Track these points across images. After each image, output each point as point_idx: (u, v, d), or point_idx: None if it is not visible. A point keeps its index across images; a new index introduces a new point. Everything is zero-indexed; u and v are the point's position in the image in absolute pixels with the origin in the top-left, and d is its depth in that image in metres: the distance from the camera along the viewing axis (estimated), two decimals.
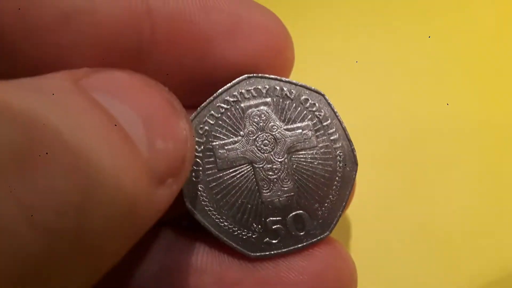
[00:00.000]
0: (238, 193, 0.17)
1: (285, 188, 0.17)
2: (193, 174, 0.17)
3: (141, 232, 0.13)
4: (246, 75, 0.17)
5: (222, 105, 0.17)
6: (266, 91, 0.17)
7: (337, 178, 0.17)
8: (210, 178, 0.17)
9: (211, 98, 0.17)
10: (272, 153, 0.17)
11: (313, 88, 0.17)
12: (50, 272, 0.10)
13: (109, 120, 0.12)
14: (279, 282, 0.16)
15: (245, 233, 0.17)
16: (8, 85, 0.11)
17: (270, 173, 0.17)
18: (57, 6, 0.14)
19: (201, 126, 0.17)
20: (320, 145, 0.17)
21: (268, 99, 0.17)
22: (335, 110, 0.17)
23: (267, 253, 0.17)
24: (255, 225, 0.17)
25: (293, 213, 0.17)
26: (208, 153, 0.17)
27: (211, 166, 0.17)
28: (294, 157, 0.17)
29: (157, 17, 0.15)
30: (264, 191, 0.17)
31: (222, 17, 0.16)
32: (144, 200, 0.12)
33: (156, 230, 0.17)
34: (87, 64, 0.15)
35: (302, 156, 0.17)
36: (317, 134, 0.17)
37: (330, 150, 0.17)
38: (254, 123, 0.17)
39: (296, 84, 0.17)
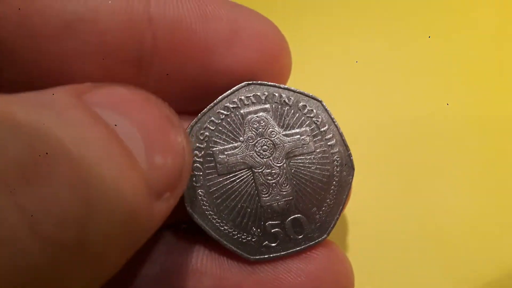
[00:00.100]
0: (237, 197, 0.17)
1: (284, 193, 0.17)
2: (194, 178, 0.17)
3: (140, 242, 0.13)
4: (245, 82, 0.17)
5: (222, 111, 0.17)
6: (265, 97, 0.17)
7: (334, 182, 0.18)
8: (210, 183, 0.17)
9: (212, 104, 0.17)
10: (271, 158, 0.17)
11: (311, 95, 0.18)
12: (51, 280, 0.10)
13: (110, 134, 0.12)
14: (278, 284, 0.17)
15: (245, 236, 0.17)
16: (14, 99, 0.11)
17: (269, 177, 0.17)
18: (60, 14, 0.14)
19: (201, 132, 0.17)
20: (318, 150, 0.17)
21: (267, 106, 0.17)
22: (332, 116, 0.18)
23: (266, 256, 0.17)
24: (254, 229, 0.17)
25: (292, 217, 0.17)
26: (208, 158, 0.17)
27: (211, 171, 0.17)
28: (292, 162, 0.17)
29: (158, 25, 0.16)
30: (263, 195, 0.17)
31: (221, 25, 0.16)
32: (143, 212, 0.12)
33: (157, 234, 0.17)
34: (89, 72, 0.16)
35: (300, 161, 0.17)
36: (315, 139, 0.18)
37: (327, 155, 0.18)
38: (254, 129, 0.17)
39: (294, 91, 0.18)
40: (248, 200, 0.17)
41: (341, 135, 0.18)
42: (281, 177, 0.17)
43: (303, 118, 0.18)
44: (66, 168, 0.10)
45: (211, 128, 0.17)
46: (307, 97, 0.18)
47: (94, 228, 0.11)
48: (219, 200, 0.17)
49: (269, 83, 0.17)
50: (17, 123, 0.10)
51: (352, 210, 0.23)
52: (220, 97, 0.17)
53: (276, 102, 0.17)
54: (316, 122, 0.18)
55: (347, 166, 0.18)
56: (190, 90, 0.17)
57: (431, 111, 0.26)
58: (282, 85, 0.18)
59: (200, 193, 0.17)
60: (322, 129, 0.18)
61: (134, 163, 0.12)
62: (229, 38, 0.17)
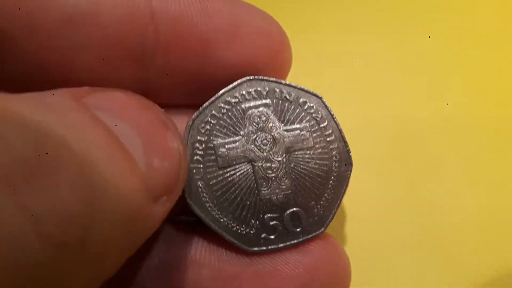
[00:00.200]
0: (237, 190, 0.17)
1: (283, 186, 0.18)
2: (194, 171, 0.17)
3: (138, 243, 0.13)
4: (247, 77, 0.18)
5: (224, 105, 0.18)
6: (266, 93, 0.18)
7: (332, 177, 0.18)
8: (210, 176, 0.17)
9: (213, 98, 0.17)
10: (271, 152, 0.18)
11: (311, 91, 0.18)
12: (51, 280, 0.10)
13: (111, 136, 0.12)
14: (275, 276, 0.17)
15: (244, 228, 0.17)
16: (19, 99, 0.11)
17: (269, 171, 0.17)
18: (61, 8, 0.15)
19: (202, 125, 0.17)
20: (317, 145, 0.18)
21: (268, 101, 0.18)
22: (332, 112, 0.18)
23: (264, 248, 0.17)
24: (253, 221, 0.17)
25: (290, 210, 0.18)
26: (209, 151, 0.17)
27: (212, 164, 0.17)
28: (292, 157, 0.18)
29: (160, 20, 0.16)
30: (263, 188, 0.17)
31: (222, 20, 0.17)
32: (142, 213, 0.12)
33: None
34: (90, 65, 0.16)
35: (299, 156, 0.18)
36: (314, 135, 0.18)
37: (326, 150, 0.18)
38: (254, 124, 0.18)
39: (295, 87, 0.18)
40: (248, 193, 0.17)
41: (340, 131, 0.18)
42: (281, 171, 0.18)
43: (303, 114, 0.18)
44: (69, 167, 0.11)
45: (212, 121, 0.17)
46: (308, 93, 0.18)
47: (96, 228, 0.11)
48: (219, 193, 0.17)
49: (271, 79, 0.18)
50: (23, 122, 0.10)
51: (351, 205, 0.23)
52: (222, 91, 0.17)
53: (277, 98, 0.18)
54: (316, 118, 0.18)
55: (346, 161, 0.18)
56: (192, 84, 0.18)
57: (431, 111, 0.26)
58: (283, 81, 0.18)
59: (200, 185, 0.17)
60: (322, 125, 0.18)
61: (133, 165, 0.12)
62: (230, 33, 0.17)
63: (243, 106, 0.18)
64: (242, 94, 0.18)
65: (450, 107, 0.26)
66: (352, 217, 0.24)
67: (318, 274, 0.17)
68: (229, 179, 0.17)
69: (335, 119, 0.18)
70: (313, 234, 0.18)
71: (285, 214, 0.18)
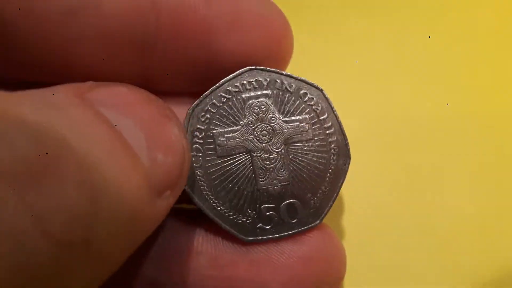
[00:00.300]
0: (235, 179, 0.17)
1: (281, 177, 0.18)
2: (193, 159, 0.17)
3: (141, 240, 0.13)
4: (248, 67, 0.18)
5: (224, 94, 0.18)
6: (267, 83, 0.18)
7: (330, 170, 0.18)
8: (209, 164, 0.17)
9: (214, 87, 0.17)
10: (270, 143, 0.18)
11: (312, 83, 0.18)
12: (55, 278, 0.11)
13: (114, 133, 0.12)
14: (270, 264, 0.17)
15: (240, 217, 0.17)
16: (22, 98, 0.11)
17: (267, 162, 0.18)
18: (63, 0, 0.15)
19: (202, 114, 0.17)
20: (316, 138, 0.18)
21: (269, 91, 0.18)
22: (332, 105, 0.18)
23: (260, 237, 0.17)
24: (249, 211, 0.17)
25: (287, 201, 0.18)
26: (208, 140, 0.17)
27: (210, 152, 0.17)
28: (290, 148, 0.18)
29: (161, 8, 0.16)
30: (260, 179, 0.18)
31: (224, 8, 0.17)
32: (145, 210, 0.13)
33: None
34: (93, 56, 0.16)
35: (298, 147, 0.18)
36: (313, 127, 0.18)
37: (325, 143, 0.18)
38: (254, 114, 0.18)
39: (296, 78, 0.18)
40: (245, 183, 0.18)
41: (339, 124, 0.18)
42: (279, 162, 0.18)
43: (303, 105, 0.18)
44: (73, 167, 0.11)
45: (213, 110, 0.18)
46: (309, 85, 0.18)
47: (99, 227, 0.11)
48: (217, 181, 0.17)
49: (272, 69, 0.18)
50: (26, 122, 0.11)
51: (349, 199, 0.23)
52: (223, 80, 0.18)
53: (277, 88, 0.18)
54: (316, 110, 0.18)
55: (344, 155, 0.18)
56: (193, 72, 0.18)
57: (431, 111, 0.26)
58: (284, 72, 0.18)
59: (198, 173, 0.17)
60: (322, 118, 0.18)
61: (136, 161, 0.12)
62: (231, 21, 0.17)
63: (243, 96, 0.18)
64: (243, 84, 0.18)
65: (450, 107, 0.26)
66: (350, 211, 0.24)
67: (312, 263, 0.17)
68: (227, 168, 0.17)
69: (335, 112, 0.18)
70: (309, 225, 0.18)
71: (282, 205, 0.18)
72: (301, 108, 0.18)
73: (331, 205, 0.18)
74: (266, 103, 0.18)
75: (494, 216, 0.24)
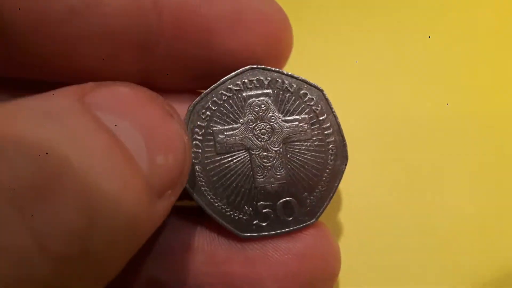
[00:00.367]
0: (233, 176, 0.18)
1: (278, 176, 0.18)
2: (193, 155, 0.17)
3: (141, 243, 0.13)
4: (249, 66, 0.18)
5: (225, 92, 0.18)
6: (268, 82, 0.18)
7: (327, 170, 0.18)
8: (208, 161, 0.18)
9: (215, 85, 0.18)
10: (268, 142, 0.18)
11: (313, 83, 0.18)
12: None
13: (112, 141, 0.12)
14: (266, 261, 0.17)
15: (237, 214, 0.18)
16: (18, 111, 0.11)
17: (265, 160, 0.18)
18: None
19: (203, 111, 0.18)
20: (314, 138, 0.18)
21: (269, 91, 0.18)
22: (332, 106, 0.18)
23: (256, 234, 0.18)
24: (246, 208, 0.18)
25: (283, 199, 0.18)
26: (208, 137, 0.18)
27: (210, 149, 0.18)
28: (289, 147, 0.18)
29: (163, 7, 0.16)
30: (258, 176, 0.18)
31: (225, 7, 0.17)
32: (144, 216, 0.13)
33: None
34: (95, 54, 0.16)
35: (296, 147, 0.18)
36: (312, 127, 0.18)
37: (323, 143, 0.18)
38: (254, 112, 0.18)
39: (297, 78, 0.18)
40: (243, 180, 0.18)
41: (338, 125, 0.18)
42: (277, 160, 0.18)
43: (303, 105, 0.18)
44: (72, 184, 0.11)
45: (213, 108, 0.18)
46: (309, 86, 0.18)
47: (97, 240, 0.11)
48: (215, 178, 0.18)
49: (273, 69, 0.18)
50: (26, 140, 0.11)
51: (348, 199, 0.23)
52: (224, 78, 0.18)
53: (278, 88, 0.18)
54: (315, 110, 0.18)
55: (342, 155, 0.18)
56: (194, 70, 0.18)
57: (431, 111, 0.26)
58: (285, 72, 0.18)
59: (197, 169, 0.17)
60: (321, 118, 0.18)
61: (135, 168, 0.13)
62: (233, 19, 0.17)
63: (244, 94, 0.18)
64: (244, 82, 0.18)
65: (450, 107, 0.26)
66: (349, 210, 0.24)
67: (306, 260, 0.18)
68: (226, 165, 0.18)
69: (334, 113, 0.18)
70: (304, 224, 0.18)
71: (278, 203, 0.18)
72: (300, 108, 0.18)
73: (327, 205, 0.18)
74: (266, 102, 0.18)
75: (494, 216, 0.24)
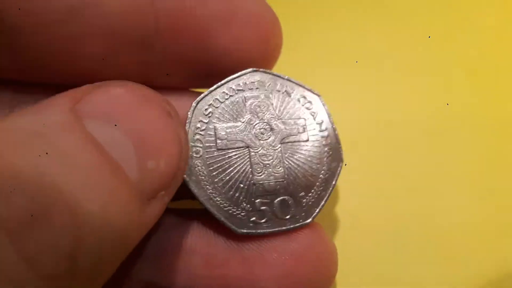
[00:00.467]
0: (232, 172, 0.18)
1: (276, 174, 0.18)
2: (194, 149, 0.18)
3: (132, 247, 0.14)
4: (252, 69, 0.19)
5: (227, 92, 0.19)
6: (269, 85, 0.19)
7: (323, 171, 0.19)
8: (208, 156, 0.18)
9: (218, 84, 0.19)
10: (267, 141, 0.19)
11: (310, 88, 0.19)
12: None
13: (99, 156, 0.12)
14: (262, 261, 0.17)
15: (235, 209, 0.18)
16: (9, 136, 0.12)
17: (264, 158, 0.18)
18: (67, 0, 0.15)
19: (206, 107, 0.18)
20: (311, 140, 0.19)
21: (269, 93, 0.19)
22: (328, 111, 0.19)
23: (253, 231, 0.18)
24: (244, 204, 0.18)
25: (281, 198, 0.18)
26: (209, 132, 0.18)
27: (211, 145, 0.18)
28: (287, 147, 0.19)
29: (160, 7, 0.17)
30: (257, 174, 0.18)
31: (219, 7, 0.17)
32: (134, 224, 0.13)
33: None
34: (94, 53, 0.16)
35: (294, 147, 0.19)
36: (309, 129, 0.19)
37: (320, 145, 0.19)
38: (254, 112, 0.19)
39: (296, 83, 0.19)
40: (242, 176, 0.18)
41: (334, 129, 0.19)
42: (275, 159, 0.18)
43: (301, 108, 0.19)
44: (59, 210, 0.11)
45: (215, 105, 0.18)
46: (307, 90, 0.19)
47: (84, 257, 0.12)
48: (215, 173, 0.18)
49: (274, 73, 0.19)
50: (14, 171, 0.11)
51: (347, 201, 0.24)
52: (227, 78, 0.19)
53: (278, 91, 0.19)
54: (312, 114, 0.19)
55: (337, 158, 0.19)
56: (192, 69, 0.19)
57: (431, 111, 0.26)
58: (286, 76, 0.19)
59: (197, 163, 0.18)
60: (318, 121, 0.19)
61: (122, 179, 0.13)
62: (226, 18, 0.18)
63: (245, 94, 0.19)
64: (245, 83, 0.19)
65: (450, 107, 0.26)
66: (347, 210, 0.24)
67: (303, 261, 0.18)
68: (226, 160, 0.18)
69: (330, 118, 0.19)
70: (300, 223, 0.18)
71: (276, 200, 0.18)
72: (298, 111, 0.19)
73: (323, 205, 0.19)
74: (266, 103, 0.19)
75: (494, 216, 0.24)
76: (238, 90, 0.19)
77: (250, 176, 0.18)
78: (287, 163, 0.19)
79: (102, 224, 0.12)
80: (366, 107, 0.26)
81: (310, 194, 0.19)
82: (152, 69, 0.18)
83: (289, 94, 0.19)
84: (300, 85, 0.19)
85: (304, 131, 0.19)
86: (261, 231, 0.18)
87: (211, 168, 0.18)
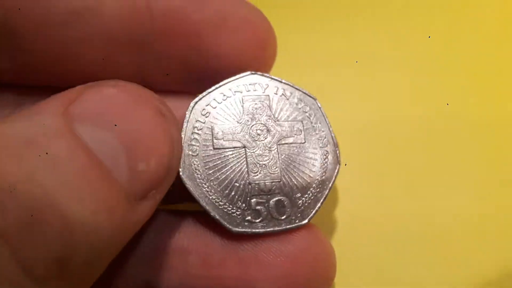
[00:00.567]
0: (229, 171, 0.18)
1: (272, 175, 0.19)
2: (191, 147, 0.18)
3: (123, 245, 0.14)
4: (250, 72, 0.19)
5: (225, 93, 0.19)
6: (266, 88, 0.19)
7: (320, 173, 0.19)
8: (205, 155, 0.18)
9: (217, 85, 0.19)
10: (264, 142, 0.19)
11: (307, 92, 0.20)
12: None
13: (88, 161, 0.13)
14: (258, 263, 0.17)
15: (230, 208, 0.18)
16: (5, 152, 0.12)
17: (260, 158, 0.19)
18: (68, 3, 0.16)
19: (204, 107, 0.19)
20: (308, 142, 0.19)
21: (267, 95, 0.19)
22: (324, 113, 0.19)
23: (248, 230, 0.18)
24: (239, 203, 0.18)
25: (276, 198, 0.18)
26: (207, 132, 0.19)
27: (208, 144, 0.18)
28: (283, 149, 0.19)
29: (155, 11, 0.17)
30: (253, 173, 0.18)
31: (212, 12, 0.18)
32: (124, 225, 0.13)
33: None
34: (93, 55, 0.17)
35: (291, 149, 0.19)
36: (306, 132, 0.19)
37: (316, 147, 0.19)
38: (251, 114, 0.19)
39: (292, 86, 0.20)
40: (238, 175, 0.18)
41: (331, 132, 0.19)
42: (271, 160, 0.19)
43: (297, 111, 0.19)
44: (50, 217, 0.12)
45: (213, 106, 0.19)
46: (304, 94, 0.20)
47: (74, 260, 0.12)
48: (212, 171, 0.18)
49: (272, 76, 0.19)
50: (16, 187, 0.12)
51: (346, 203, 0.24)
52: (226, 80, 0.19)
53: (275, 94, 0.19)
54: (309, 116, 0.19)
55: (334, 160, 0.19)
56: (186, 72, 0.19)
57: (431, 111, 0.26)
58: (283, 80, 0.19)
59: (194, 162, 0.18)
60: (314, 124, 0.19)
61: (111, 182, 0.13)
62: (219, 24, 0.18)
63: (243, 96, 0.19)
64: (243, 86, 0.19)
65: (450, 107, 0.26)
66: (345, 211, 0.24)
67: (299, 263, 0.18)
68: (222, 159, 0.18)
69: (327, 120, 0.19)
70: (296, 224, 0.18)
71: (271, 201, 0.18)
72: (295, 114, 0.19)
73: (320, 207, 0.19)
74: (263, 106, 0.19)
75: (494, 216, 0.24)
76: (236, 91, 0.19)
77: (246, 175, 0.18)
78: (283, 164, 0.19)
79: (92, 229, 0.12)
80: (366, 107, 0.26)
81: (306, 195, 0.19)
82: (150, 70, 0.18)
83: (286, 97, 0.19)
84: (297, 88, 0.20)
85: (301, 133, 0.19)
86: (256, 230, 0.18)
87: (207, 167, 0.18)
